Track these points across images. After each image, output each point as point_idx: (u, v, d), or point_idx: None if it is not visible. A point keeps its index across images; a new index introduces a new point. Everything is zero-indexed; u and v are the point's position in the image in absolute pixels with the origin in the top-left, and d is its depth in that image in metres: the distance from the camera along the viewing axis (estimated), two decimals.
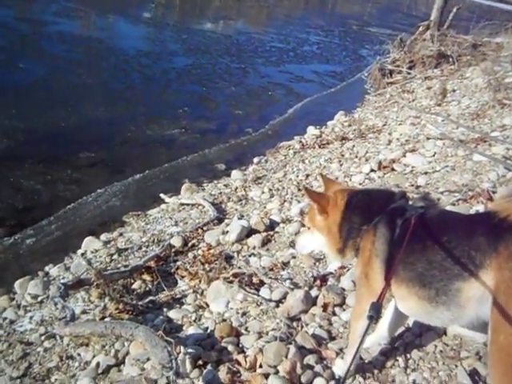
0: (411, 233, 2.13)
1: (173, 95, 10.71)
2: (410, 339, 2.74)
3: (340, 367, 2.60)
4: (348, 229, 2.38)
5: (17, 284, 4.38)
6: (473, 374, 2.41)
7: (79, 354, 3.28)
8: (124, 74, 11.55)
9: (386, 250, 2.21)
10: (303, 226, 4.39)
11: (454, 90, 9.68)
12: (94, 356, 3.22)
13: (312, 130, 8.95)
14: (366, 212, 2.36)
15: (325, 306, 3.25)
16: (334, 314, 3.20)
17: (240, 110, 10.49)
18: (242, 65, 14.28)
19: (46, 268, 4.75)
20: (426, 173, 5.28)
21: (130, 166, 7.25)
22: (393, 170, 5.64)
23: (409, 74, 12.75)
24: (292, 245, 4.28)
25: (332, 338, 2.94)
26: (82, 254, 4.92)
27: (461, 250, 1.98)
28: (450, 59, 12.67)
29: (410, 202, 2.37)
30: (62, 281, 4.17)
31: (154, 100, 10.25)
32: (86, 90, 10.03)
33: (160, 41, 15.72)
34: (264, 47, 17.38)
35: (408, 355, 2.63)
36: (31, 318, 3.88)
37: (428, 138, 6.42)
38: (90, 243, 5.11)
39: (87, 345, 3.33)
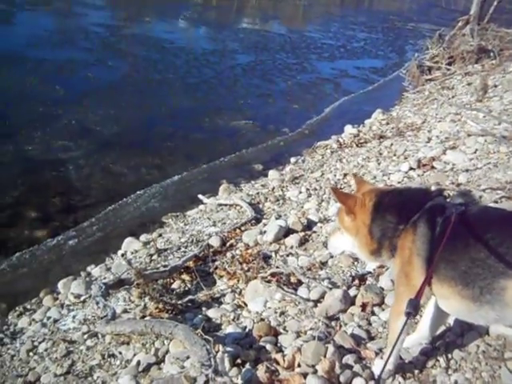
0: (453, 230, 2.08)
1: (240, 89, 11.67)
2: (452, 339, 2.68)
3: (379, 367, 2.56)
4: (382, 229, 2.33)
5: (60, 284, 4.52)
6: None
7: (120, 353, 3.34)
8: (196, 70, 12.59)
9: (427, 249, 2.16)
10: None
11: (495, 86, 9.44)
12: (134, 354, 3.26)
13: (349, 129, 8.87)
14: (402, 211, 2.31)
15: (363, 306, 3.21)
16: (372, 313, 3.16)
17: (295, 104, 11.12)
18: (298, 60, 15.05)
19: (88, 268, 4.88)
20: (467, 170, 5.15)
21: (194, 157, 7.82)
22: (433, 167, 5.53)
23: (448, 70, 12.52)
24: (325, 245, 4.25)
25: (371, 338, 2.90)
26: (123, 255, 5.02)
27: (505, 247, 1.93)
28: (491, 54, 12.40)
29: (448, 200, 2.32)
30: (103, 281, 4.27)
31: (224, 93, 11.30)
32: (166, 85, 11.15)
33: (220, 40, 16.86)
34: (316, 44, 18.10)
35: (449, 355, 2.57)
36: (74, 316, 3.98)
37: (469, 135, 6.27)
38: (130, 244, 5.21)
39: (128, 343, 3.39)
